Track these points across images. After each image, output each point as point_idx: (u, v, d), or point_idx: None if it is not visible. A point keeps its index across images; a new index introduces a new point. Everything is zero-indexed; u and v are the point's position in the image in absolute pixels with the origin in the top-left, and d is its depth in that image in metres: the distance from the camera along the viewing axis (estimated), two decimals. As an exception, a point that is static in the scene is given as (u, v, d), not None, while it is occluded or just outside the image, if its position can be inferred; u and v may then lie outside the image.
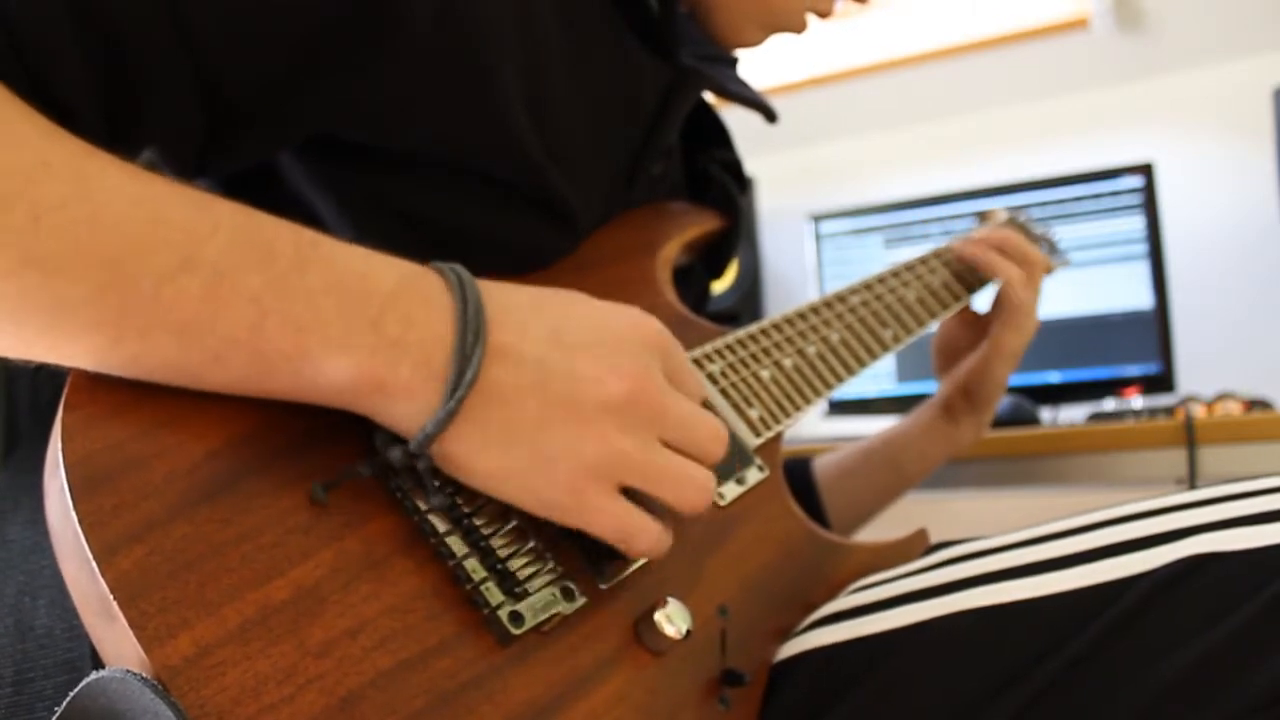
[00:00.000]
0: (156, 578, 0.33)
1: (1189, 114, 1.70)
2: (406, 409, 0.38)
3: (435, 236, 0.53)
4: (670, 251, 0.66)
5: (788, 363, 0.62)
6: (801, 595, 0.54)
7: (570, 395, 0.40)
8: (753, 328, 0.62)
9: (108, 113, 0.42)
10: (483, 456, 0.39)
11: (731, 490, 0.54)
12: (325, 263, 0.38)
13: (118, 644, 0.33)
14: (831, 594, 0.55)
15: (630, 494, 0.42)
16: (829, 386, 0.64)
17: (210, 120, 0.45)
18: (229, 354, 0.36)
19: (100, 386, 0.36)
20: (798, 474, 0.83)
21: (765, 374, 0.60)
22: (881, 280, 0.75)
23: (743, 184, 0.76)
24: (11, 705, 0.39)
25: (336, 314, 0.37)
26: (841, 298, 0.71)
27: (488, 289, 0.41)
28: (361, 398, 0.38)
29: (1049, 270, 0.93)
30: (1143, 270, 1.41)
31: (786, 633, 0.52)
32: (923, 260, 0.81)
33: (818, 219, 1.64)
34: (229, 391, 0.38)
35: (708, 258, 0.74)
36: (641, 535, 0.42)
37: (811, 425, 1.69)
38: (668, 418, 0.42)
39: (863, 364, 0.68)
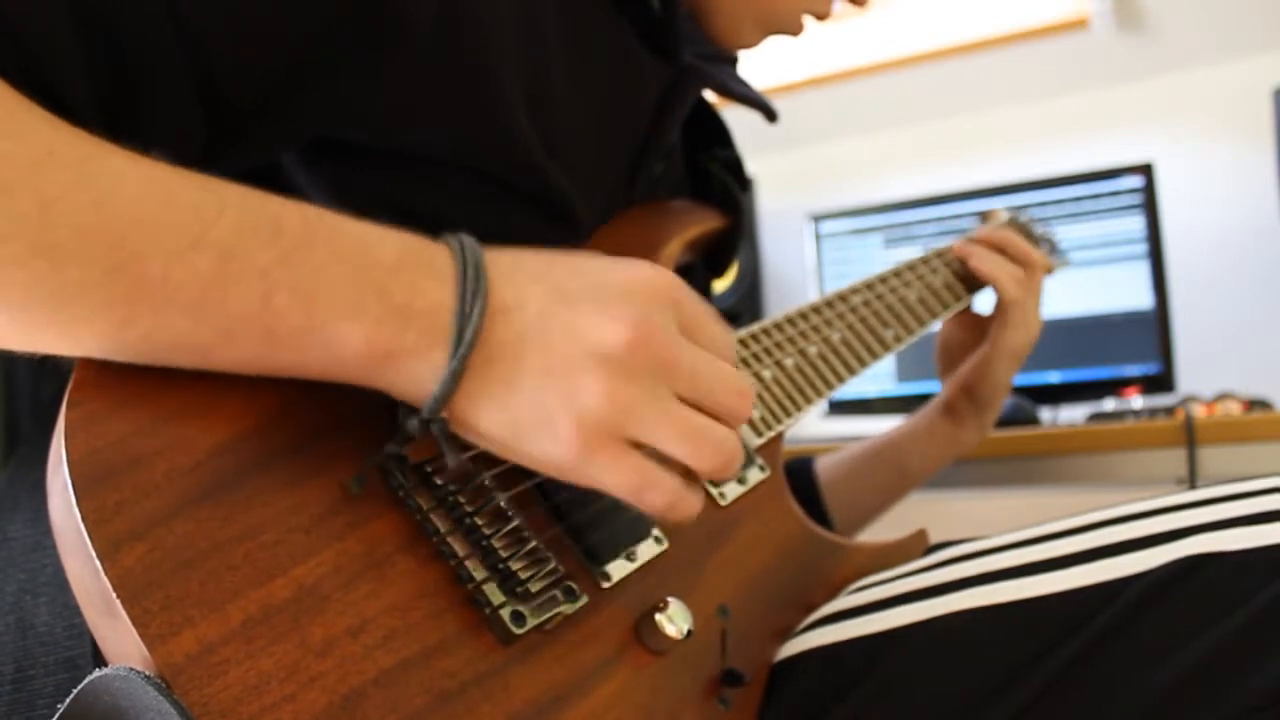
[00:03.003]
0: (159, 575, 0.33)
1: (1189, 114, 1.70)
2: (415, 375, 0.38)
3: (438, 235, 0.53)
4: (673, 250, 0.65)
5: (789, 362, 0.62)
6: (801, 595, 0.54)
7: (569, 345, 0.39)
8: (754, 327, 0.62)
9: (107, 110, 0.42)
10: (490, 414, 0.39)
11: (733, 490, 0.54)
12: (331, 235, 0.38)
13: (120, 641, 0.33)
14: (831, 594, 0.55)
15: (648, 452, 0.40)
16: (830, 387, 0.64)
17: (210, 120, 0.45)
18: (239, 330, 0.36)
19: (103, 383, 0.36)
20: (800, 474, 0.83)
21: (767, 374, 0.60)
22: (883, 280, 0.75)
23: (744, 182, 0.76)
24: (12, 703, 0.39)
25: (344, 284, 0.37)
26: (843, 297, 0.71)
27: (495, 253, 0.41)
28: (371, 368, 0.38)
29: (1049, 271, 0.93)
30: (1143, 270, 1.41)
31: (786, 632, 0.52)
32: (924, 260, 0.81)
33: (818, 219, 1.64)
34: (239, 370, 0.38)
35: (709, 256, 0.74)
36: (655, 489, 0.40)
37: (812, 425, 1.69)
38: (678, 368, 0.40)
39: (864, 364, 0.68)
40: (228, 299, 0.35)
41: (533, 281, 0.41)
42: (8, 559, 0.43)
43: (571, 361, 0.39)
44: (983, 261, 0.80)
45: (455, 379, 0.38)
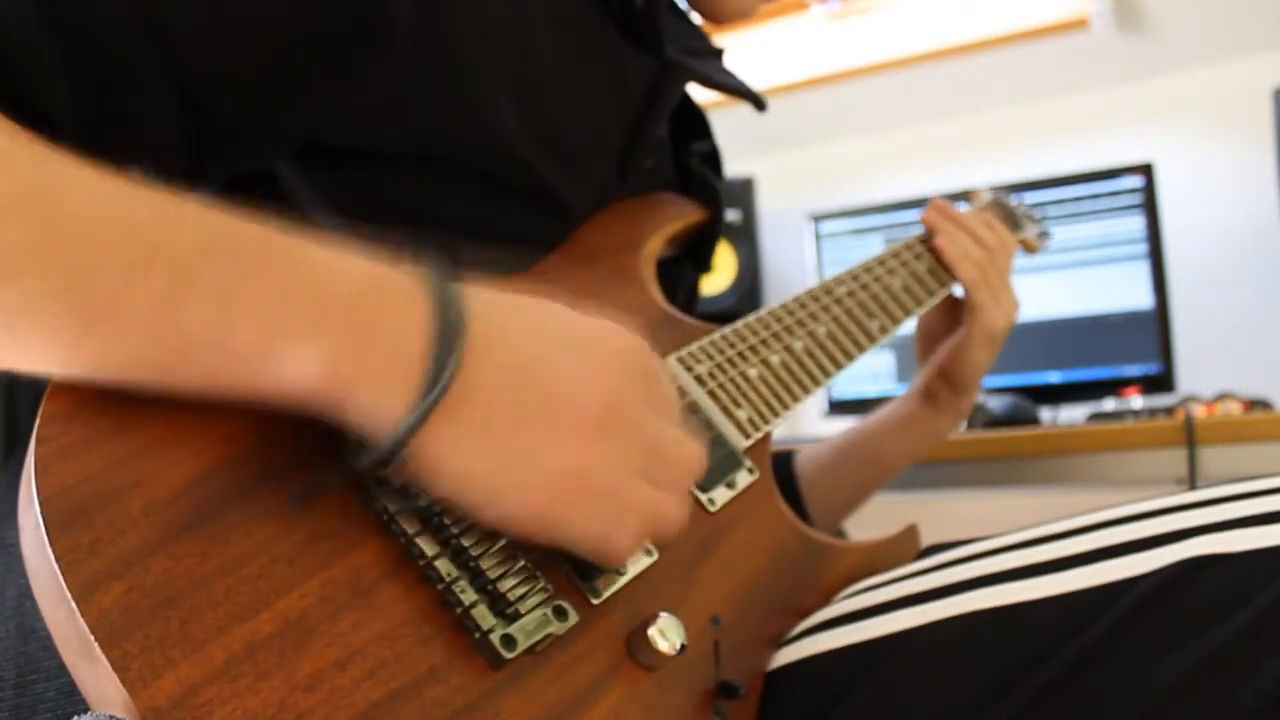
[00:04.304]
0: (138, 615, 0.32)
1: (1189, 114, 1.70)
2: (378, 405, 0.36)
3: (433, 231, 0.53)
4: (653, 247, 0.65)
5: (775, 359, 0.61)
6: (794, 600, 0.54)
7: (548, 400, 0.39)
8: (739, 324, 0.61)
9: (87, 122, 0.41)
10: (455, 457, 0.38)
11: (722, 495, 0.53)
12: (293, 255, 0.37)
13: (100, 686, 0.32)
14: (824, 597, 0.55)
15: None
16: (817, 383, 0.63)
17: (194, 129, 0.45)
18: (195, 350, 0.35)
19: (73, 415, 0.35)
20: (779, 469, 0.82)
21: (753, 372, 0.59)
22: (867, 269, 0.74)
23: (719, 173, 0.76)
24: (15, 708, 0.39)
25: (304, 303, 0.36)
26: (828, 289, 0.69)
27: (467, 287, 0.40)
28: (330, 395, 0.36)
29: (1031, 250, 0.92)
30: (1143, 270, 1.41)
31: (779, 638, 0.52)
32: (907, 246, 0.79)
33: (818, 219, 1.64)
34: (199, 394, 0.37)
35: (692, 251, 0.73)
36: (613, 547, 0.41)
37: (813, 424, 1.69)
38: (640, 432, 0.41)
39: (850, 357, 0.67)
40: (183, 316, 0.34)
41: (510, 324, 0.40)
42: (8, 564, 0.42)
43: (548, 416, 0.39)
44: (944, 240, 0.79)
45: (428, 413, 0.36)
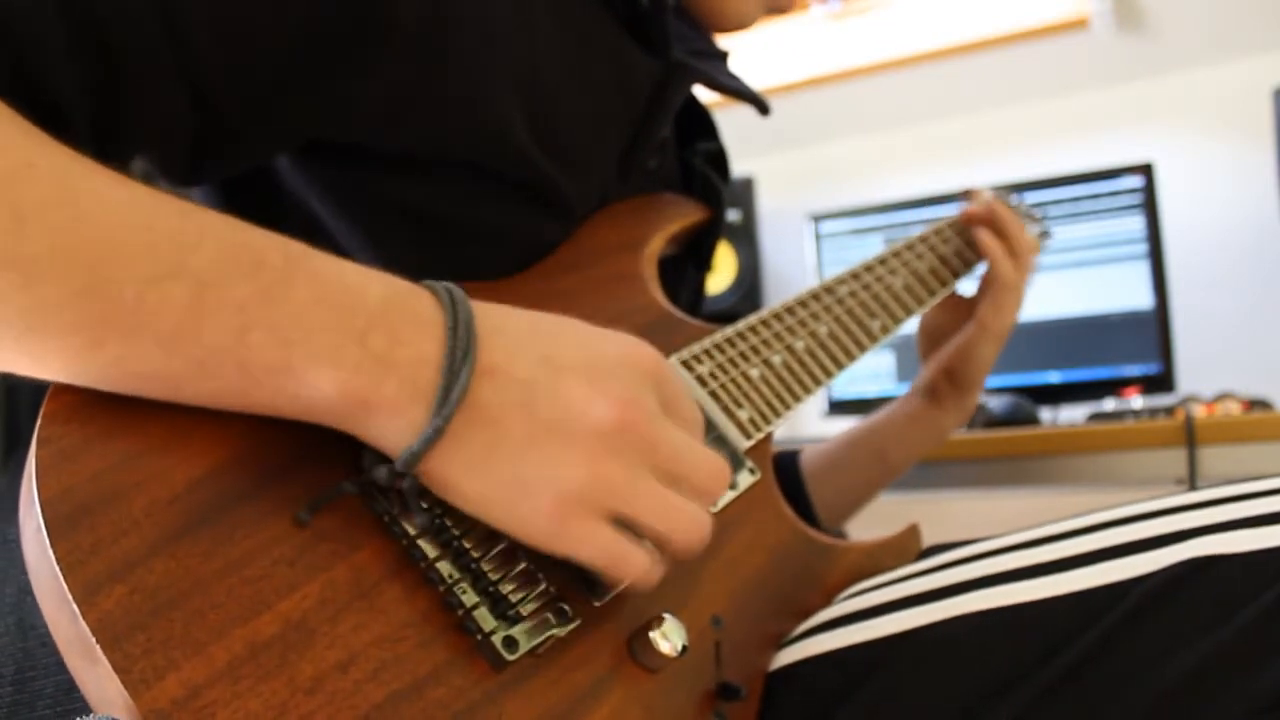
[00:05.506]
0: (140, 617, 0.32)
1: (1189, 114, 1.70)
2: (392, 427, 0.37)
3: (435, 231, 0.53)
4: (655, 247, 0.65)
5: (777, 359, 0.61)
6: (795, 600, 0.54)
7: (557, 417, 0.39)
8: (740, 325, 0.61)
9: (96, 113, 0.42)
10: (467, 477, 0.38)
11: (723, 496, 0.53)
12: (313, 275, 0.37)
13: (103, 688, 0.32)
14: (826, 598, 0.55)
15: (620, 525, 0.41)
16: (818, 383, 0.63)
17: (201, 124, 0.45)
18: (212, 364, 0.35)
19: (74, 416, 0.35)
20: (785, 467, 0.82)
21: (755, 373, 0.59)
22: (869, 269, 0.74)
23: (726, 174, 0.76)
24: (13, 704, 0.39)
25: (322, 327, 0.36)
26: (829, 289, 0.69)
27: (480, 309, 0.40)
28: (346, 415, 0.37)
29: (1035, 252, 0.93)
30: (1143, 270, 1.41)
31: (781, 639, 0.52)
32: (909, 246, 0.79)
33: (818, 219, 1.64)
34: (210, 404, 0.37)
35: (693, 250, 0.73)
36: (628, 564, 0.40)
37: (813, 424, 1.69)
38: (660, 448, 0.40)
39: (852, 357, 0.67)
40: (202, 331, 0.35)
41: (520, 345, 0.40)
42: (8, 560, 0.42)
43: (558, 433, 0.38)
44: (985, 243, 0.80)
45: (437, 436, 0.37)
